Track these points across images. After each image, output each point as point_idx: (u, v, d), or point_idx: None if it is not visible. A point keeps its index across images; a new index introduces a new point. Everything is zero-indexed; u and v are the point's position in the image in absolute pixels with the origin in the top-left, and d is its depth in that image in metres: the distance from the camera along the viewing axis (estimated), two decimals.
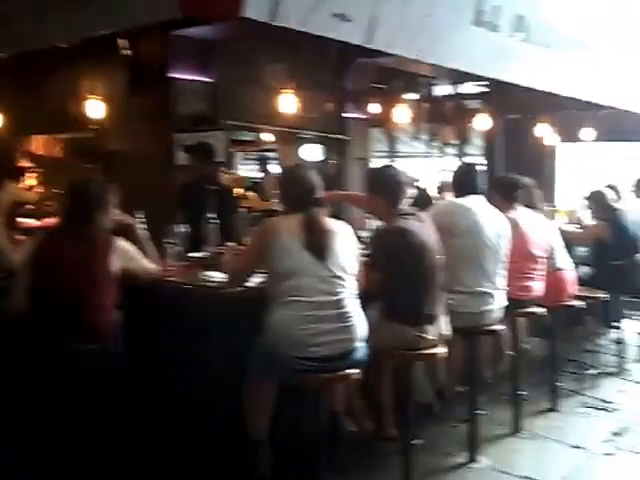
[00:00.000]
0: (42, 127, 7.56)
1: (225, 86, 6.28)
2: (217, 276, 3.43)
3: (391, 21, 3.46)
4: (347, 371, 3.03)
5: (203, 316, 3.29)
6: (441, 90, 8.41)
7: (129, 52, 5.95)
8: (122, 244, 3.20)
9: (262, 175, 9.81)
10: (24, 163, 8.56)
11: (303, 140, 8.01)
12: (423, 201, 4.24)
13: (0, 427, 3.54)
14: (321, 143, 7.92)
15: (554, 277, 4.60)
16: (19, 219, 6.34)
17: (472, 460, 3.84)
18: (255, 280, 3.28)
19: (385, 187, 3.46)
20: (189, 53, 6.03)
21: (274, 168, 10.06)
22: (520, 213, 4.41)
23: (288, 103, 6.18)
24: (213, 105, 6.23)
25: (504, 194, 4.42)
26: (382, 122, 8.23)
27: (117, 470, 3.26)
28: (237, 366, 3.18)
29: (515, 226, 4.18)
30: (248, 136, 9.53)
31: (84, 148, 7.89)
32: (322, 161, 7.89)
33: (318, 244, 2.97)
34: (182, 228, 3.93)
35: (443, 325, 3.48)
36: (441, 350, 3.47)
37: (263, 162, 10.02)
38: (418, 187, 4.90)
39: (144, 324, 3.36)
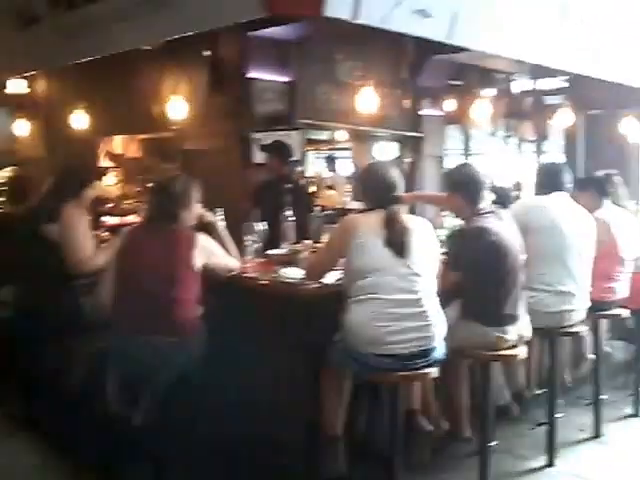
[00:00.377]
0: (123, 128, 7.77)
1: (302, 85, 6.33)
2: (294, 273, 3.46)
3: (473, 16, 3.41)
4: (424, 370, 3.02)
5: (281, 312, 3.33)
6: (519, 85, 8.24)
7: (209, 53, 6.07)
8: (204, 240, 3.28)
9: (331, 174, 9.84)
10: (105, 163, 8.82)
11: (377, 138, 7.99)
12: (503, 199, 4.17)
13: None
14: (396, 141, 7.88)
15: (639, 279, 4.46)
16: (102, 218, 6.58)
17: (549, 465, 3.76)
18: (333, 277, 3.30)
19: (464, 186, 3.42)
20: (267, 53, 6.10)
21: (342, 167, 10.08)
22: (610, 213, 4.30)
23: (366, 100, 6.17)
24: (290, 104, 6.29)
25: (595, 192, 4.32)
26: (458, 119, 8.14)
27: (192, 459, 3.35)
28: (313, 363, 3.22)
29: (604, 226, 4.08)
30: (322, 135, 9.58)
31: (162, 147, 8.09)
32: (396, 159, 7.85)
33: (398, 241, 2.97)
34: (260, 226, 3.98)
35: (524, 326, 3.42)
36: (521, 351, 3.42)
37: (331, 161, 10.04)
38: (497, 186, 4.80)
39: (223, 319, 3.43)
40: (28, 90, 8.51)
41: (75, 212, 3.76)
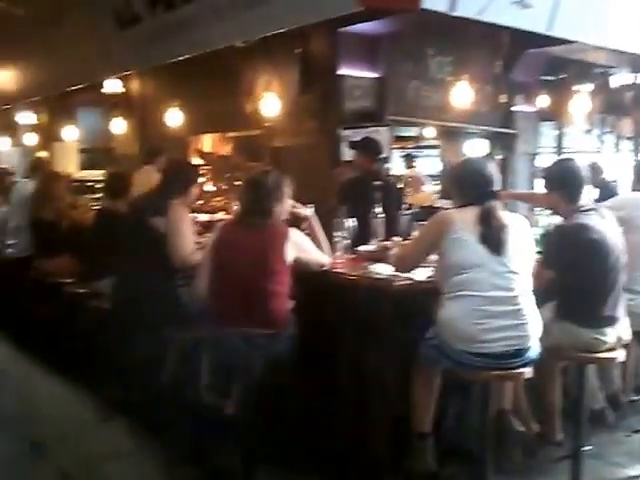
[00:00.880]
0: (216, 125, 7.94)
1: (392, 81, 6.30)
2: (384, 269, 3.45)
3: (574, 5, 3.28)
4: (518, 369, 2.95)
5: (370, 308, 3.33)
6: (618, 79, 7.91)
7: (299, 50, 6.12)
8: (296, 235, 3.31)
9: (408, 171, 9.72)
10: (195, 160, 8.89)
11: (468, 135, 7.86)
12: (607, 195, 4.01)
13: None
14: (486, 137, 7.73)
15: None
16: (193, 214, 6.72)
17: None
18: (424, 273, 3.26)
19: (564, 182, 3.33)
20: (357, 49, 6.10)
21: (423, 164, 9.96)
22: None
23: (458, 96, 6.08)
24: (380, 101, 6.27)
25: None
26: (552, 115, 7.90)
27: (282, 449, 3.42)
28: (403, 359, 3.20)
29: None
30: (409, 132, 9.49)
31: (251, 145, 8.21)
32: (487, 156, 7.70)
33: (494, 238, 2.92)
34: (350, 222, 3.98)
35: (623, 328, 3.29)
36: (619, 354, 3.29)
37: (410, 158, 9.92)
38: (604, 180, 4.62)
39: (313, 313, 3.45)
40: (123, 89, 8.80)
41: (181, 209, 3.88)
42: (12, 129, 11.66)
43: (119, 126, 8.80)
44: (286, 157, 6.51)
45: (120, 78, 8.67)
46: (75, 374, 4.72)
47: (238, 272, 3.20)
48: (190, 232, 3.88)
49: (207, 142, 9.38)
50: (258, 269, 3.18)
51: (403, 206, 5.37)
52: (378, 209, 4.28)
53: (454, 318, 2.92)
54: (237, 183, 8.77)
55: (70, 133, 10.14)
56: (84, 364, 4.67)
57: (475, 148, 7.91)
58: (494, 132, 7.51)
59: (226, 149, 9.52)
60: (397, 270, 3.26)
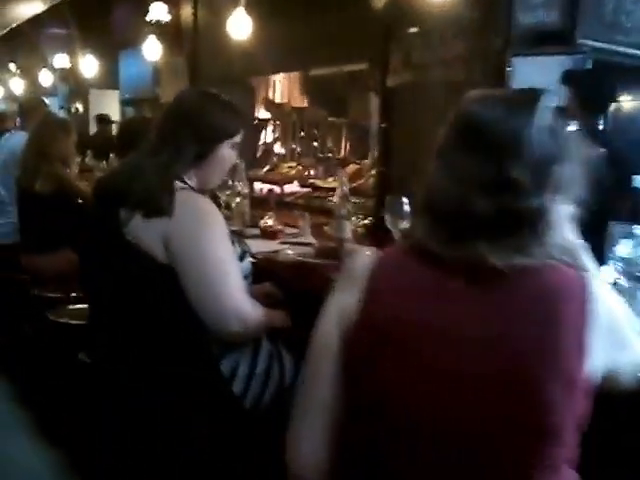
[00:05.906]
0: (295, 62, 5.95)
1: None
2: None
3: None
4: None
5: None
6: None
7: None
8: (606, 297, 1.10)
9: None
10: (262, 113, 7.39)
11: None
12: None
13: None
14: None
15: None
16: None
17: None
18: None
19: None
20: None
21: None
22: None
23: None
24: (569, 14, 3.91)
25: None
26: None
27: None
28: None
29: None
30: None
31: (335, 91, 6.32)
32: None
33: None
34: None
35: None
36: None
37: None
38: None
39: None
40: (169, 17, 6.88)
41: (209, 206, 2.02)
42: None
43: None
44: (405, 105, 4.24)
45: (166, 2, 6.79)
46: (52, 431, 3.47)
47: (448, 414, 1.05)
48: (231, 255, 1.93)
49: (278, 90, 7.51)
50: (505, 399, 1.02)
51: None
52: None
53: None
54: (315, 144, 6.94)
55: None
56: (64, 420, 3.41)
57: None
58: None
59: (302, 99, 7.60)
60: None
